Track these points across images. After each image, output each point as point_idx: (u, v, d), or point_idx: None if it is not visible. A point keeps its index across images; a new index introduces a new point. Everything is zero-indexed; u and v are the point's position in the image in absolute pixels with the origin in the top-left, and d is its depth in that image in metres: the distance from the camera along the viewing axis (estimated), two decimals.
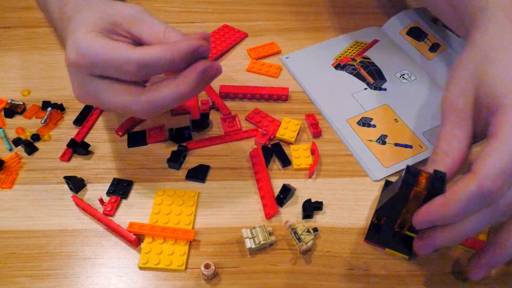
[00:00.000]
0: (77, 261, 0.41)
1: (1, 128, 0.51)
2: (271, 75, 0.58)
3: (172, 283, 0.40)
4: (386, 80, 0.57)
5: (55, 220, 0.44)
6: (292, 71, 0.58)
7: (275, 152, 0.49)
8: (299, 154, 0.49)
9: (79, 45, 0.39)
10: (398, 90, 0.56)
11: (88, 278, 0.40)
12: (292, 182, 0.47)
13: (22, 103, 0.53)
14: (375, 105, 0.54)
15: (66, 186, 0.46)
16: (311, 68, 0.58)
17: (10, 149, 0.50)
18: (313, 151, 0.49)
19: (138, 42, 0.41)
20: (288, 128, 0.51)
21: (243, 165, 0.49)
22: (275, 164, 0.49)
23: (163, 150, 0.50)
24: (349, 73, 0.58)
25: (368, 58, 0.59)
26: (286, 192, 0.45)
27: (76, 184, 0.46)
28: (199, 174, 0.47)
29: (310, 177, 0.48)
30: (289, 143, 0.51)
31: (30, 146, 0.49)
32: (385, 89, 0.56)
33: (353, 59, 0.59)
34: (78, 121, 0.52)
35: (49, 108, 0.53)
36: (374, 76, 0.57)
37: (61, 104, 0.53)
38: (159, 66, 0.38)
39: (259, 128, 0.52)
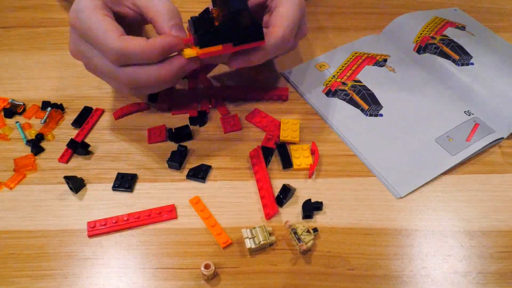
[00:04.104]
0: (77, 261, 0.41)
1: (17, 122, 0.52)
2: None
3: (171, 283, 0.40)
4: (382, 106, 0.53)
5: (55, 220, 0.44)
6: (295, 86, 0.57)
7: (279, 152, 0.49)
8: (299, 154, 0.49)
9: (79, 10, 0.43)
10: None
11: (88, 279, 0.40)
12: (292, 182, 0.47)
13: (22, 104, 0.53)
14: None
15: (66, 186, 0.46)
16: (309, 89, 0.56)
17: (26, 143, 0.50)
18: (313, 151, 0.49)
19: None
20: (289, 128, 0.51)
21: (243, 165, 0.49)
22: (275, 164, 0.49)
23: (163, 150, 0.50)
24: (341, 99, 0.54)
25: (360, 81, 0.56)
26: (286, 192, 0.45)
27: (76, 184, 0.46)
28: (200, 173, 0.47)
29: (310, 177, 0.48)
30: (293, 143, 0.51)
31: (37, 147, 0.49)
32: (381, 115, 0.53)
33: (344, 83, 0.56)
34: (77, 123, 0.52)
35: (49, 108, 0.53)
36: (368, 102, 0.54)
37: (61, 104, 0.53)
38: (136, 59, 0.42)
39: (259, 128, 0.52)
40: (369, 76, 0.57)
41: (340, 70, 0.58)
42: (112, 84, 0.47)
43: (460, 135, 0.51)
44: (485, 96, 0.54)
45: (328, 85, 0.56)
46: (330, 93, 0.55)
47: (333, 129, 0.52)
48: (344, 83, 0.56)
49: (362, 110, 0.53)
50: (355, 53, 0.60)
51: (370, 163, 0.49)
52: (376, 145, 0.50)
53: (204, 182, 0.47)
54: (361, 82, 0.56)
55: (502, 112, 0.52)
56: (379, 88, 0.56)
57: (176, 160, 0.48)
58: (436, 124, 0.52)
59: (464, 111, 0.53)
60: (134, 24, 0.47)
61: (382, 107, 0.54)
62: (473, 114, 0.52)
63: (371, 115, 0.53)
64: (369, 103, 0.54)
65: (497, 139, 0.51)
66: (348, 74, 0.57)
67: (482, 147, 0.50)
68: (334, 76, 0.57)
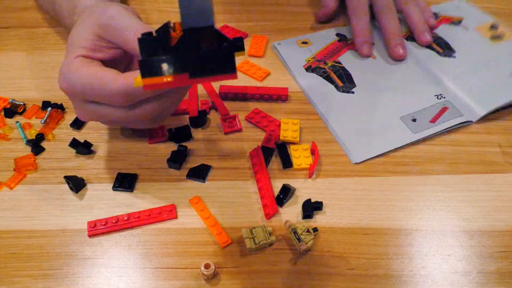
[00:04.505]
0: (77, 261, 0.42)
1: (17, 122, 0.52)
2: (256, 78, 0.58)
3: (172, 283, 0.40)
4: (355, 85, 0.57)
5: (55, 220, 0.44)
6: (282, 57, 0.60)
7: (279, 152, 0.50)
8: (299, 154, 0.49)
9: (67, 74, 0.40)
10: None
11: (88, 278, 0.40)
12: (292, 182, 0.47)
13: (22, 104, 0.53)
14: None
15: (66, 186, 0.46)
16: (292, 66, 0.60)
17: (26, 143, 0.50)
18: (313, 151, 0.49)
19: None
20: (289, 129, 0.51)
21: (243, 165, 0.49)
22: (275, 164, 0.49)
23: (163, 150, 0.50)
24: (319, 75, 0.58)
25: (340, 63, 0.59)
26: (286, 192, 0.45)
27: (76, 184, 0.46)
28: (200, 173, 0.47)
29: (310, 177, 0.48)
30: (293, 143, 0.51)
31: (37, 147, 0.49)
32: (353, 92, 0.56)
33: (325, 62, 0.59)
34: (75, 124, 0.52)
35: (49, 108, 0.53)
36: (343, 80, 0.57)
37: (61, 104, 0.53)
38: (144, 93, 0.38)
39: (259, 128, 0.52)
40: (349, 60, 0.60)
41: (321, 50, 0.61)
42: (135, 127, 0.47)
43: (425, 116, 0.53)
44: (453, 86, 0.56)
45: (309, 61, 0.60)
46: (310, 69, 0.59)
47: (310, 101, 0.55)
48: (325, 62, 0.59)
49: (336, 86, 0.57)
50: (338, 38, 0.63)
51: (334, 131, 0.52)
52: (344, 118, 0.54)
53: (204, 182, 0.47)
54: (341, 64, 0.59)
55: (468, 103, 0.54)
56: (357, 70, 0.59)
57: (176, 160, 0.48)
58: (404, 103, 0.55)
59: (435, 95, 0.55)
60: (121, 61, 0.45)
61: (355, 85, 0.57)
62: (444, 98, 0.55)
63: (343, 91, 0.56)
64: (344, 81, 0.57)
65: (464, 122, 0.52)
66: (328, 55, 0.60)
67: (446, 129, 0.52)
68: (315, 57, 0.60)
